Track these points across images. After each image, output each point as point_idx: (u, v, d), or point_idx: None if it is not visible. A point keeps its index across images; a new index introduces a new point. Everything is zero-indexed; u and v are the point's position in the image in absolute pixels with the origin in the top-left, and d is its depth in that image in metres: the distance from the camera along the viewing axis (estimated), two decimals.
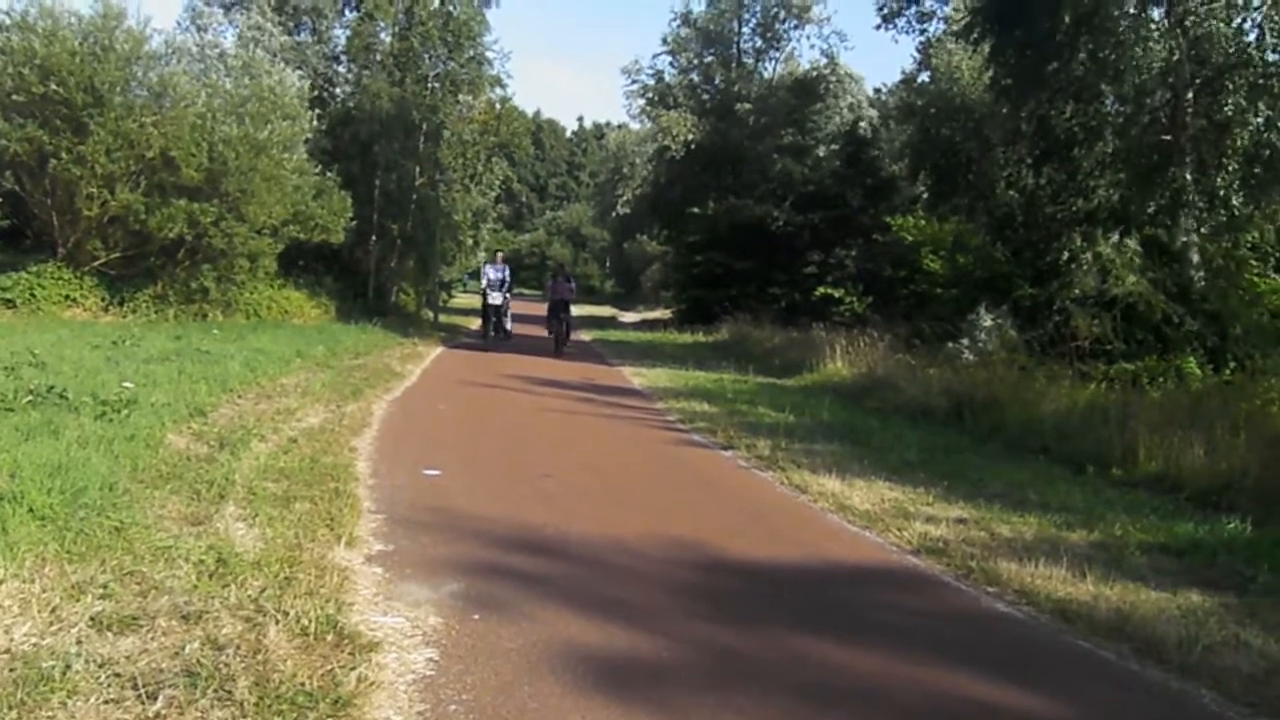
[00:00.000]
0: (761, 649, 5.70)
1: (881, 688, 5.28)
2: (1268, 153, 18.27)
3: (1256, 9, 18.91)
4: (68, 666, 4.39)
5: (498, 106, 44.65)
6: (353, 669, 4.83)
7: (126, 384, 11.59)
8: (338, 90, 40.70)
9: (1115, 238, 19.70)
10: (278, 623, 5.21)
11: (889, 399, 18.20)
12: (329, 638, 5.17)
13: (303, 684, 4.57)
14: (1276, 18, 18.04)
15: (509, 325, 28.26)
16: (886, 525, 8.96)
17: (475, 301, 36.53)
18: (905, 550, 8.27)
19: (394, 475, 9.87)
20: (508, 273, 28.49)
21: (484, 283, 28.56)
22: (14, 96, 24.39)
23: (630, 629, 5.82)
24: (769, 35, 49.70)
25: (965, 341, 20.15)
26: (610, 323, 53.25)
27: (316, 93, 37.39)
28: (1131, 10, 19.82)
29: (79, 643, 4.68)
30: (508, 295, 28.16)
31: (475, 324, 30.80)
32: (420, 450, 11.58)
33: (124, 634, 4.89)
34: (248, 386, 14.23)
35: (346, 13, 42.59)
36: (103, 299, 26.12)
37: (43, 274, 25.37)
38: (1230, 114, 18.20)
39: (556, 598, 6.30)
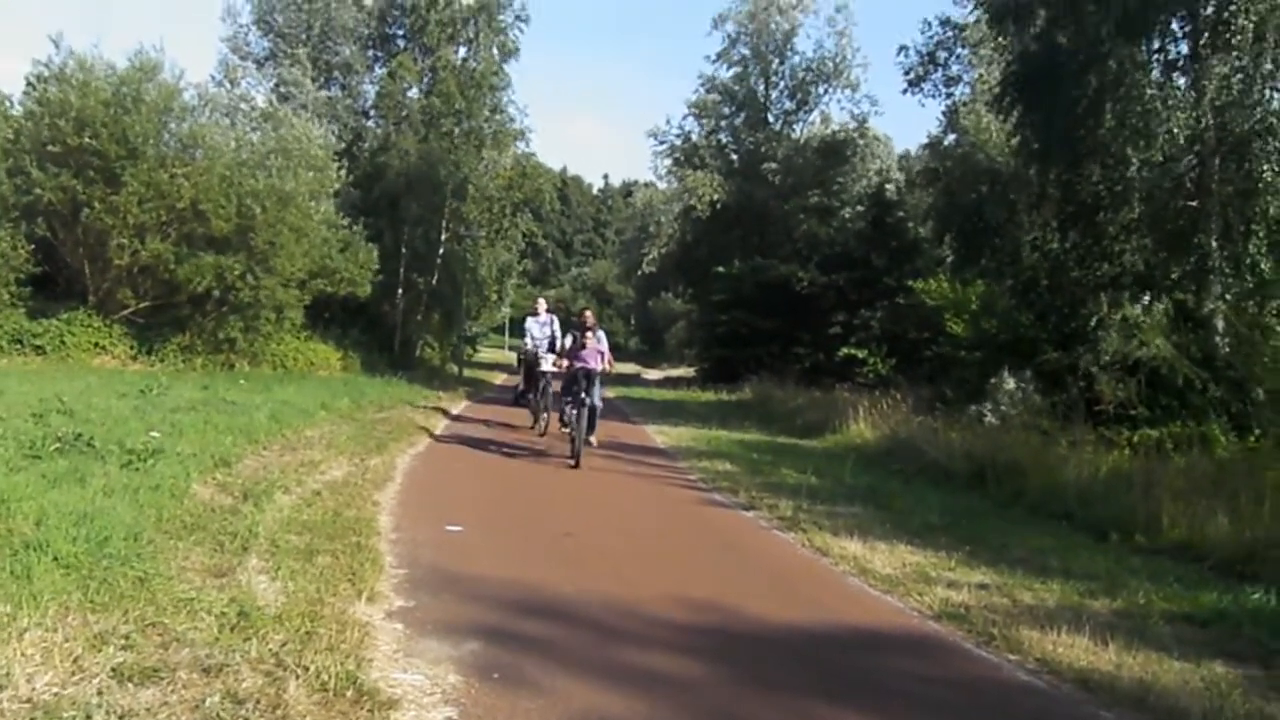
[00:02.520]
0: (779, 717, 5.66)
1: None
2: None
3: None
4: (88, 717, 4.42)
5: (522, 163, 44.96)
6: None
7: (153, 433, 11.67)
8: (366, 145, 41.08)
9: (1144, 301, 19.68)
10: (298, 678, 5.22)
11: (912, 461, 18.13)
12: (349, 694, 5.17)
13: None
14: None
15: (548, 408, 20.44)
16: (908, 590, 8.92)
17: (501, 356, 32.69)
18: (927, 615, 8.22)
19: (416, 530, 9.88)
20: (555, 325, 20.86)
21: (529, 343, 20.92)
22: (49, 147, 24.79)
23: (649, 694, 5.78)
24: (799, 97, 49.99)
25: (988, 405, 20.11)
26: (634, 380, 53.35)
27: (346, 146, 37.81)
28: (1157, 78, 19.93)
29: (100, 694, 4.70)
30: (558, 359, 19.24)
31: (500, 379, 28.71)
32: (442, 506, 11.60)
33: (145, 685, 4.90)
34: (273, 438, 14.29)
35: (376, 69, 43.15)
36: (131, 347, 26.36)
37: (73, 321, 25.67)
38: (1259, 181, 18.20)
39: (576, 659, 6.29)
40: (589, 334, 17.15)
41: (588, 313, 18.40)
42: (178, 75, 27.91)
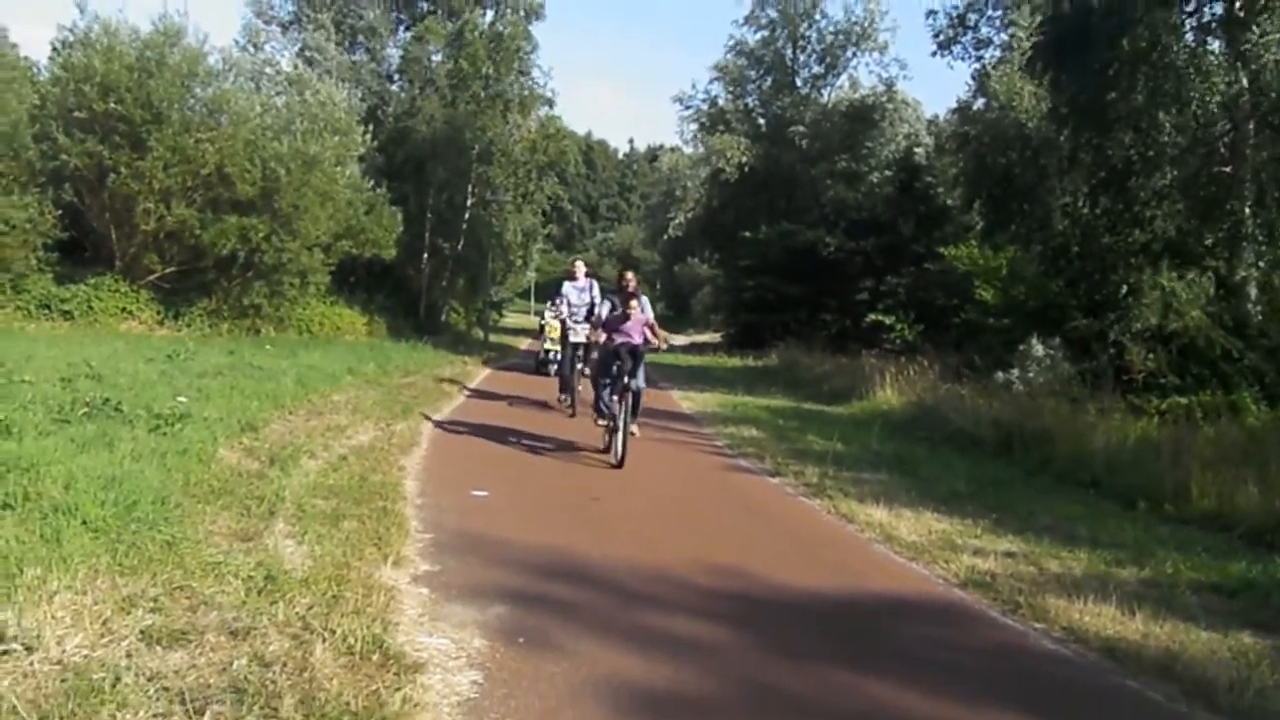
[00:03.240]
0: (805, 683, 5.66)
1: None
2: None
3: None
4: (117, 679, 4.43)
5: (547, 126, 44.84)
6: (398, 689, 4.86)
7: (180, 398, 11.73)
8: (391, 108, 41.03)
9: (1180, 272, 19.52)
10: (324, 641, 5.24)
11: (938, 429, 18.06)
12: (375, 657, 5.20)
13: (348, 703, 4.59)
14: None
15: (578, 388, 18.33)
16: (933, 557, 8.90)
17: (527, 321, 32.09)
18: (952, 583, 8.20)
19: (441, 495, 9.91)
20: (595, 291, 18.38)
21: (563, 308, 18.74)
22: (75, 113, 24.84)
23: (673, 659, 5.79)
24: (827, 61, 49.68)
25: (1016, 372, 20.01)
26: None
27: (370, 110, 37.81)
28: (1191, 42, 19.71)
29: (129, 656, 4.73)
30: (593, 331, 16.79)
31: (525, 343, 28.24)
32: (468, 471, 11.63)
33: (173, 648, 4.94)
34: (299, 403, 14.36)
35: (401, 32, 43.08)
36: (158, 312, 26.49)
37: (100, 286, 25.78)
38: None
39: (601, 624, 6.32)
40: (633, 302, 13.65)
41: (630, 276, 15.11)
42: (202, 39, 27.96)
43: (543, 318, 26.40)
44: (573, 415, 17.49)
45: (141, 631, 5.02)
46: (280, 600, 5.77)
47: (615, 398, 13.13)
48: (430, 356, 27.82)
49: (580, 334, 18.13)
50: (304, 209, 27.56)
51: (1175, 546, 9.72)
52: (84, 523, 6.28)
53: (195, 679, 4.61)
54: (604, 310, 14.66)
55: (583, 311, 18.17)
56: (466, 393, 19.69)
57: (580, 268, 19.12)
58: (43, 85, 26.57)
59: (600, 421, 13.76)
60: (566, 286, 18.74)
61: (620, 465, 12.53)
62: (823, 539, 9.71)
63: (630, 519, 9.59)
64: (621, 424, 12.82)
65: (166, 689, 4.47)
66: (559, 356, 23.93)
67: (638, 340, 13.60)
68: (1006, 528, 10.34)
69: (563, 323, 18.90)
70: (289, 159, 27.32)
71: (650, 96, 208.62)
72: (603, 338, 13.93)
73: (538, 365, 25.82)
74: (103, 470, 7.44)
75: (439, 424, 15.60)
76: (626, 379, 13.19)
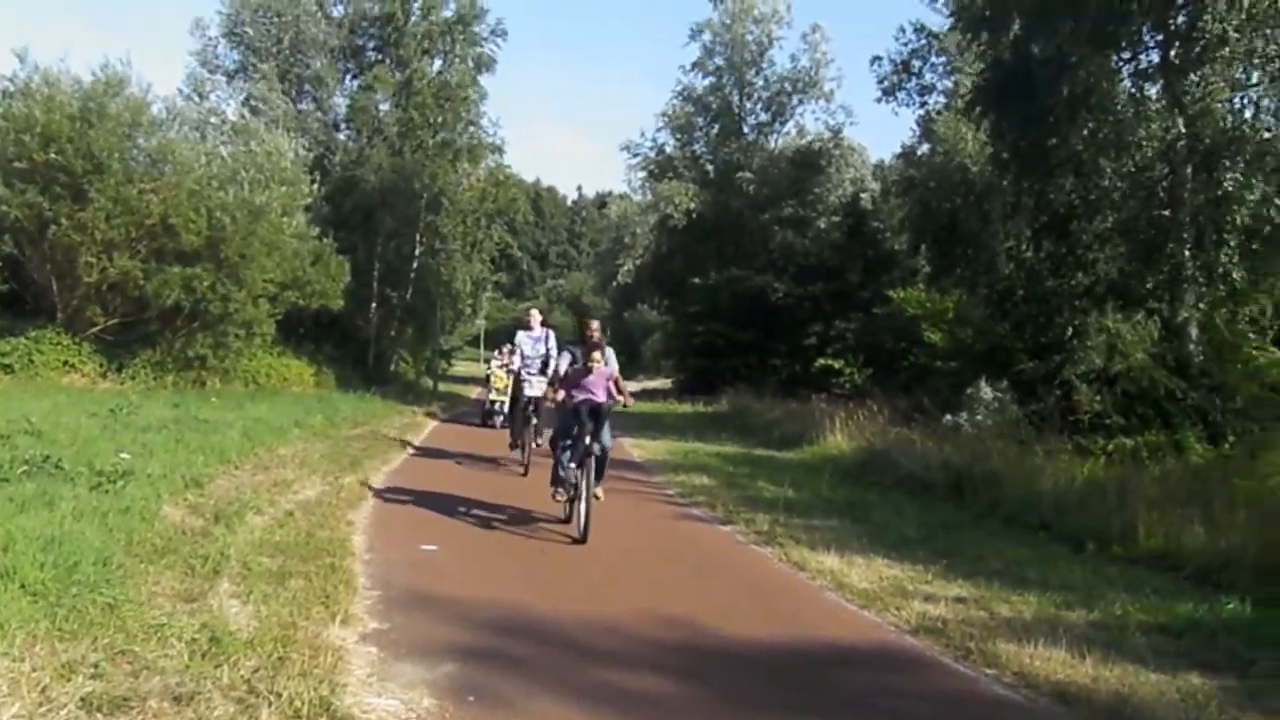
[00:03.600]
0: None
1: None
2: (1266, 228, 18.36)
3: (1253, 86, 19.09)
4: None
5: (496, 174, 44.95)
6: None
7: (123, 454, 11.57)
8: (337, 158, 40.98)
9: (1125, 313, 19.76)
10: (270, 705, 5.16)
11: (888, 473, 18.13)
12: None
13: None
14: (1273, 94, 18.18)
15: (539, 440, 16.82)
16: (885, 604, 8.90)
17: (477, 369, 31.75)
18: (904, 630, 8.20)
19: (390, 551, 9.82)
20: (552, 342, 17.12)
21: (515, 360, 17.60)
22: (15, 163, 24.58)
23: (625, 713, 5.75)
24: (774, 109, 50.18)
25: (965, 415, 20.14)
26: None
27: (316, 160, 37.75)
28: (1129, 88, 20.06)
29: None
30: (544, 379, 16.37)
31: (475, 392, 28.08)
32: (417, 525, 11.52)
33: (115, 715, 4.84)
34: (245, 457, 14.22)
35: (348, 81, 43.11)
36: (100, 365, 26.15)
37: (41, 339, 25.43)
38: (1230, 189, 18.29)
39: (551, 680, 6.25)
40: (596, 354, 11.88)
41: (594, 325, 12.92)
42: (145, 89, 27.76)
43: (489, 366, 26.14)
44: (525, 474, 16.25)
45: (82, 699, 4.91)
46: (225, 663, 5.66)
47: (575, 464, 11.40)
48: (379, 407, 27.70)
49: (536, 387, 16.72)
50: (250, 259, 27.37)
51: (1124, 587, 9.80)
52: (22, 586, 6.15)
53: None
54: (563, 363, 12.75)
55: (537, 364, 16.98)
56: (411, 450, 19.30)
57: (535, 316, 17.84)
58: None
59: (559, 496, 11.91)
60: (520, 336, 17.47)
61: (583, 539, 10.79)
62: (774, 588, 9.70)
63: (580, 571, 9.52)
64: (584, 491, 11.11)
65: None
66: (505, 408, 23.89)
67: (601, 398, 11.82)
68: (957, 572, 10.37)
69: (516, 375, 17.68)
70: (235, 208, 27.16)
71: (599, 139, 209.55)
72: (560, 395, 11.98)
73: (483, 417, 25.62)
74: (42, 530, 7.30)
75: (387, 476, 15.49)
76: (589, 440, 11.39)
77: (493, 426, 24.35)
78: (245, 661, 5.77)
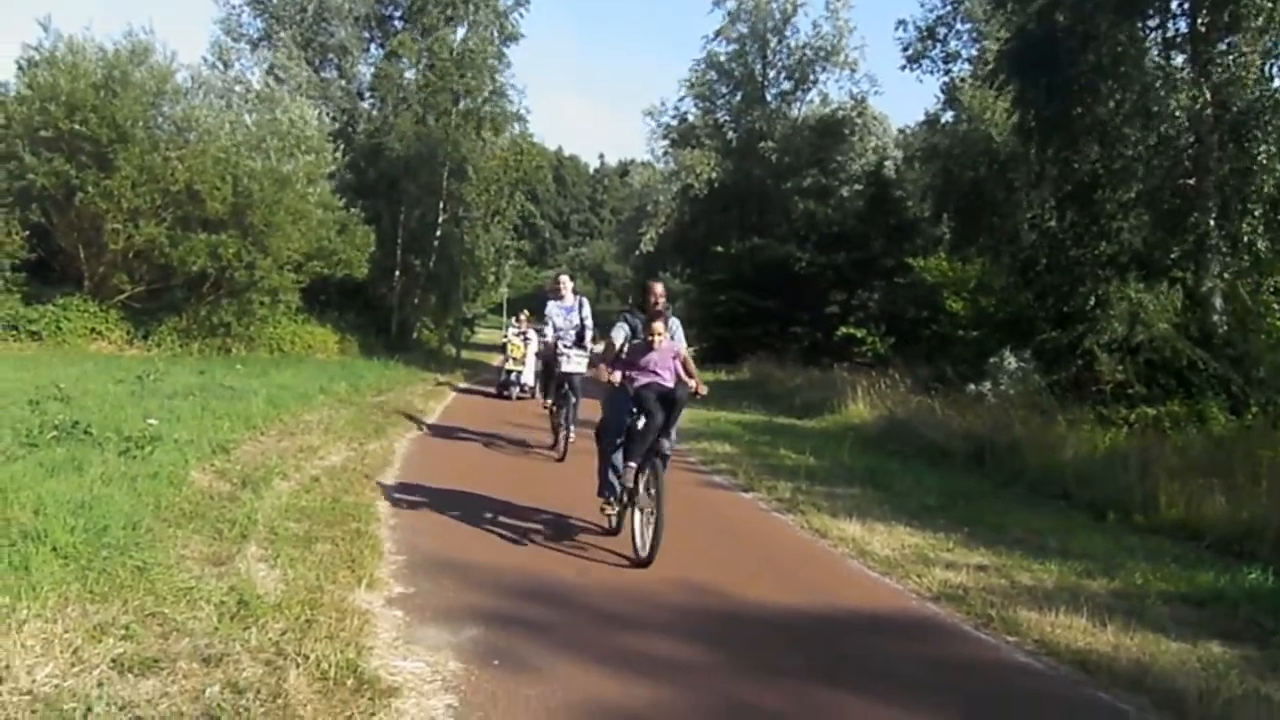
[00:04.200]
0: (780, 701, 5.68)
1: None
2: None
3: None
4: (89, 709, 4.42)
5: (519, 143, 44.88)
6: (372, 714, 4.86)
7: (151, 420, 11.65)
8: (361, 126, 40.95)
9: (1147, 283, 19.65)
10: (298, 666, 5.23)
11: (910, 442, 18.14)
12: (349, 682, 5.19)
13: None
14: None
15: (570, 421, 15.13)
16: (906, 572, 8.95)
17: (499, 337, 30.04)
18: (925, 597, 8.24)
19: (415, 516, 9.89)
20: (586, 310, 15.77)
21: (550, 331, 15.60)
22: (41, 132, 24.68)
23: (649, 679, 5.81)
24: (797, 77, 49.87)
25: (987, 384, 20.09)
26: None
27: (340, 128, 37.74)
28: (1156, 57, 19.89)
29: (100, 685, 4.71)
30: (584, 354, 15.39)
31: (498, 360, 27.19)
32: (441, 490, 11.57)
33: (145, 676, 4.92)
34: (270, 423, 14.26)
35: (372, 50, 43.00)
36: (127, 332, 26.33)
37: (68, 307, 25.61)
38: (1261, 159, 18.11)
39: (575, 645, 6.32)
40: (658, 325, 9.30)
41: (659, 289, 10.15)
42: (170, 57, 27.81)
43: (506, 335, 25.73)
44: (561, 459, 14.82)
45: (113, 660, 4.99)
46: (253, 625, 5.75)
47: (634, 465, 9.00)
48: (402, 374, 27.74)
49: (575, 362, 15.09)
50: (276, 227, 27.44)
51: (1144, 557, 9.83)
52: (53, 549, 6.24)
53: (168, 707, 4.60)
54: (617, 336, 9.74)
55: (571, 334, 15.45)
56: (427, 428, 18.96)
57: (566, 283, 16.20)
58: (8, 104, 26.33)
59: (609, 508, 9.60)
60: (551, 306, 15.70)
61: (648, 562, 8.45)
62: (797, 555, 9.74)
63: (604, 537, 9.54)
64: (651, 503, 8.66)
65: (139, 718, 4.46)
66: (520, 377, 24.26)
67: (670, 382, 9.40)
68: (978, 541, 10.40)
69: (552, 348, 15.61)
70: (261, 176, 27.24)
71: (621, 109, 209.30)
72: (617, 377, 9.39)
73: (499, 387, 25.24)
74: (72, 495, 7.39)
75: (411, 442, 15.58)
76: (658, 439, 8.97)
77: (508, 397, 24.09)
78: (273, 624, 5.85)
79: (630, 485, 8.99)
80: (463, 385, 28.36)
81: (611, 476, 9.49)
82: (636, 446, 9.05)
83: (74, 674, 4.79)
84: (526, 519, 10.26)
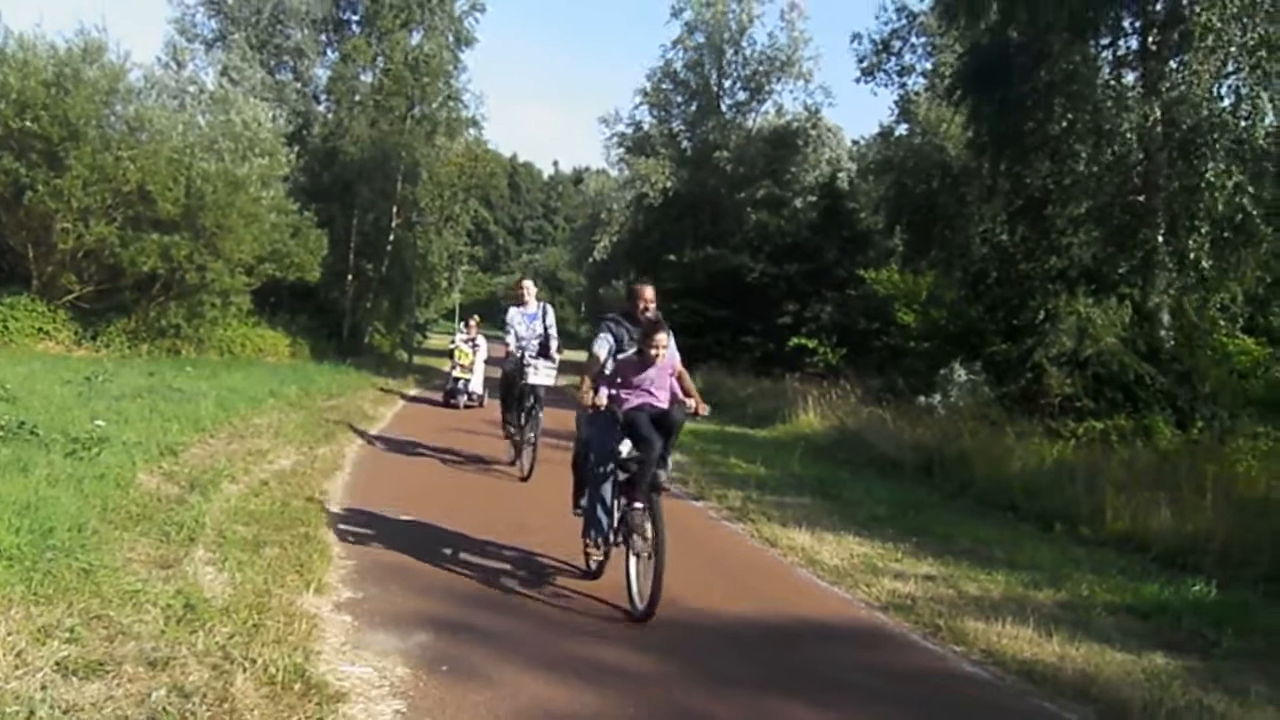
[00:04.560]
0: (730, 710, 5.71)
1: None
2: (1239, 216, 18.45)
3: (1232, 74, 19.16)
4: (32, 712, 4.36)
5: (474, 149, 44.87)
6: None
7: (98, 421, 11.52)
8: (316, 129, 40.74)
9: (1096, 297, 19.87)
10: (245, 671, 5.18)
11: (860, 452, 18.25)
12: (296, 687, 5.14)
13: None
14: (1253, 83, 18.24)
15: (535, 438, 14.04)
16: (855, 581, 9.00)
17: (448, 342, 27.88)
18: (874, 607, 8.30)
19: (365, 520, 9.85)
20: (550, 319, 14.60)
21: (512, 340, 14.27)
22: None
23: (598, 687, 5.82)
24: (752, 88, 50.06)
25: (937, 396, 20.24)
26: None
27: (295, 131, 37.54)
28: (1107, 75, 20.13)
29: (44, 688, 4.64)
30: (552, 365, 14.34)
31: (448, 365, 25.51)
32: (391, 495, 11.53)
33: (90, 679, 4.85)
34: (220, 426, 14.17)
35: (328, 53, 42.80)
36: (75, 333, 26.04)
37: (16, 306, 25.27)
38: (1209, 177, 18.32)
39: (525, 652, 6.32)
40: (660, 337, 7.82)
41: (648, 293, 8.85)
42: (123, 56, 27.53)
43: (453, 341, 25.11)
44: (526, 479, 13.66)
45: (57, 663, 4.92)
46: (200, 629, 5.69)
47: (639, 504, 7.63)
48: (354, 379, 27.62)
49: (542, 374, 13.94)
50: (228, 229, 27.25)
51: (1091, 568, 9.94)
52: None
53: (113, 711, 4.55)
54: (600, 350, 8.48)
55: (534, 344, 14.18)
56: (390, 415, 18.93)
57: (530, 288, 14.95)
58: None
59: (594, 550, 8.21)
60: (513, 313, 14.49)
61: (649, 615, 7.18)
62: (746, 564, 9.78)
63: (556, 545, 9.48)
64: (649, 548, 7.43)
65: None
66: (469, 385, 23.60)
67: (664, 402, 8.00)
68: (926, 551, 10.49)
69: (519, 359, 14.08)
70: (214, 179, 27.02)
71: (577, 117, 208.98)
72: (603, 399, 7.95)
73: (446, 395, 24.31)
74: (17, 496, 7.29)
75: (361, 448, 15.50)
76: (654, 472, 7.60)
77: (456, 406, 23.53)
78: (220, 628, 5.79)
79: (638, 525, 7.58)
80: (413, 392, 28.22)
81: (600, 513, 8.01)
82: (638, 482, 7.62)
83: (17, 677, 4.72)
84: (484, 533, 10.09)
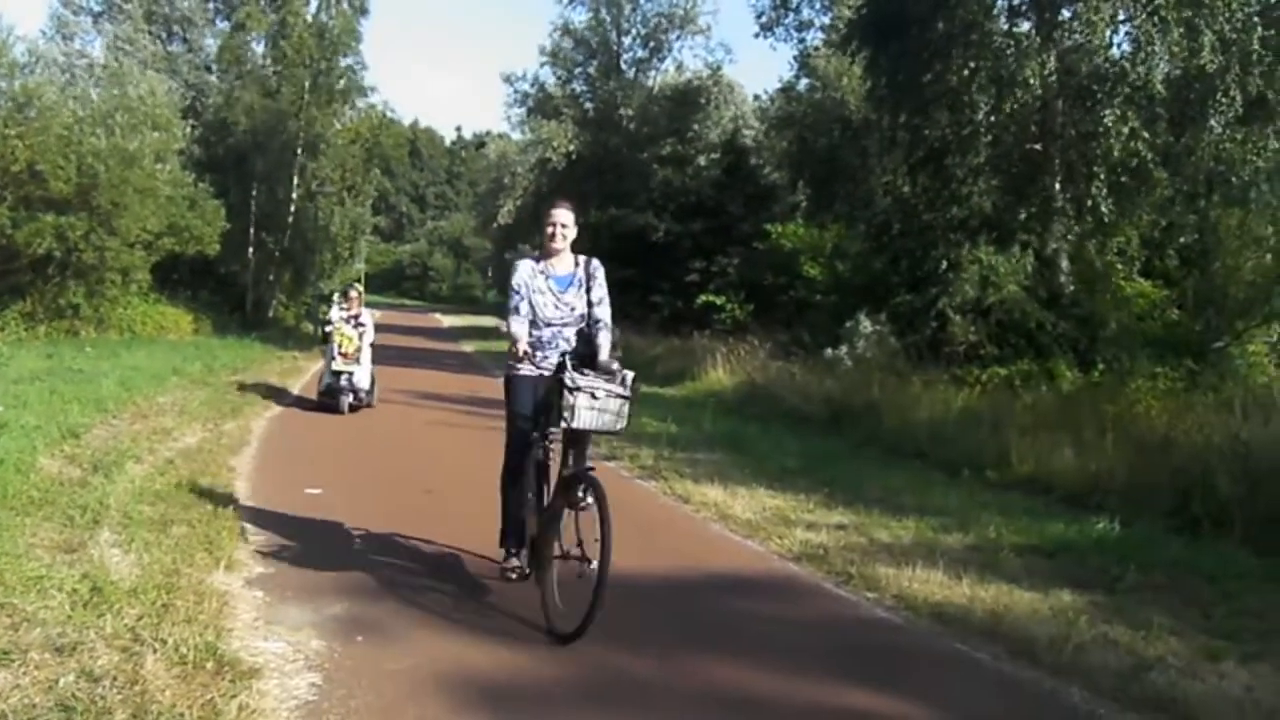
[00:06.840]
0: (646, 666, 5.75)
1: (764, 699, 5.35)
2: (1134, 162, 18.77)
3: (1126, 22, 19.44)
4: None
5: (371, 117, 44.29)
6: (233, 697, 4.75)
7: None
8: (210, 101, 39.95)
9: (998, 246, 20.13)
10: (155, 652, 5.10)
11: (769, 407, 18.41)
12: (209, 665, 5.07)
13: (182, 714, 4.48)
14: (1149, 29, 18.49)
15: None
16: (768, 533, 9.10)
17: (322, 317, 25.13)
18: (787, 558, 8.40)
19: (274, 495, 9.72)
20: (601, 288, 7.53)
21: (517, 325, 7.11)
22: None
23: (515, 648, 5.82)
24: (651, 45, 49.94)
25: (844, 348, 20.42)
26: (494, 333, 52.92)
27: (189, 103, 36.81)
28: (1004, 24, 20.32)
29: None
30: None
31: (319, 357, 21.43)
32: (300, 468, 11.44)
33: None
34: (123, 406, 13.91)
35: (219, 23, 41.95)
36: None
37: None
38: (1106, 124, 18.59)
39: (440, 618, 6.31)
40: (554, 214, 7.40)
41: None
42: (6, 31, 26.77)
43: (330, 319, 17.62)
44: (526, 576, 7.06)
45: None
46: (108, 612, 5.58)
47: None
48: (258, 353, 27.23)
49: (603, 404, 6.91)
50: (124, 207, 26.65)
51: (998, 511, 10.14)
52: None
53: (20, 699, 4.46)
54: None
55: (570, 337, 7.63)
56: (297, 388, 18.52)
57: (562, 222, 7.64)
58: None
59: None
60: (526, 272, 7.36)
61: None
62: (660, 521, 9.83)
63: (465, 510, 9.42)
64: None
65: None
66: (355, 380, 16.87)
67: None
68: (837, 501, 10.63)
69: (539, 375, 7.35)
70: (107, 155, 26.39)
71: (478, 80, 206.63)
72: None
73: (323, 394, 17.21)
74: None
75: (269, 422, 15.31)
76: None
77: (338, 409, 16.59)
78: (129, 610, 5.69)
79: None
80: (296, 390, 27.68)
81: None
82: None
83: None
84: (396, 500, 10.11)
